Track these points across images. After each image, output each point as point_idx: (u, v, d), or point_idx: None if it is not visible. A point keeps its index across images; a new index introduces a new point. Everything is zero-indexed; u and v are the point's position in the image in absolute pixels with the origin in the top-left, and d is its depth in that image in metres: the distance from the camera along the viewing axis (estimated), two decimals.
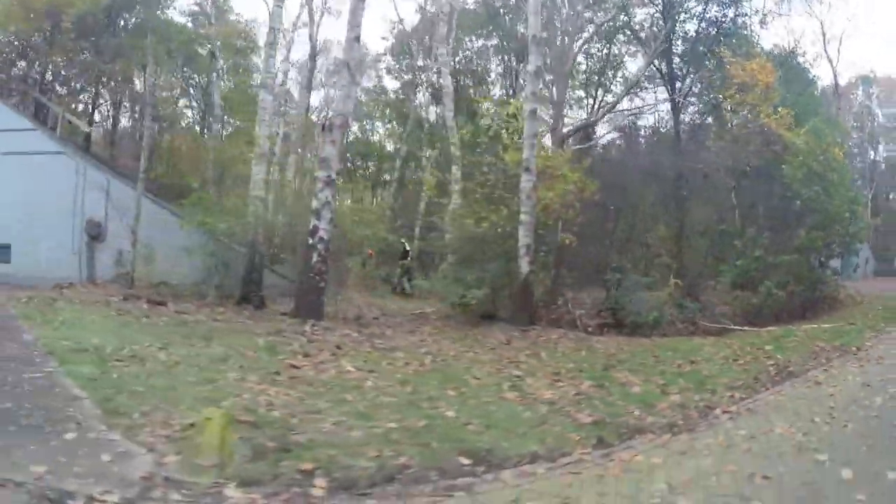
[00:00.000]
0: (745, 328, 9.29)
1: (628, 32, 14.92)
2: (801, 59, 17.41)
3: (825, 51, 25.34)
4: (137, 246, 10.08)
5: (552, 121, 13.95)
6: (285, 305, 8.56)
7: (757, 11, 13.54)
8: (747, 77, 12.05)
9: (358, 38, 9.00)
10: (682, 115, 14.08)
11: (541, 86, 12.42)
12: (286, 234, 11.63)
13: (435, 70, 18.61)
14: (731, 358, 6.14)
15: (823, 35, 24.87)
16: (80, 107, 17.95)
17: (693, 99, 14.34)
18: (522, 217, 8.86)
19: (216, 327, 6.49)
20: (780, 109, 11.71)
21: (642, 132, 17.14)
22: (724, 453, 2.83)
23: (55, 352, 4.19)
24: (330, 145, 8.46)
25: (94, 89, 17.75)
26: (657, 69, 13.91)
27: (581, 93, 18.70)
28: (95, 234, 10.46)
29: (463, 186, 13.46)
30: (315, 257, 7.81)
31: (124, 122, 21.92)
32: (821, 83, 22.14)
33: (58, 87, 16.62)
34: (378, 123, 25.71)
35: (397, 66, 23.20)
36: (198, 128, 22.35)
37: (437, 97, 19.02)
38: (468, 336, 7.73)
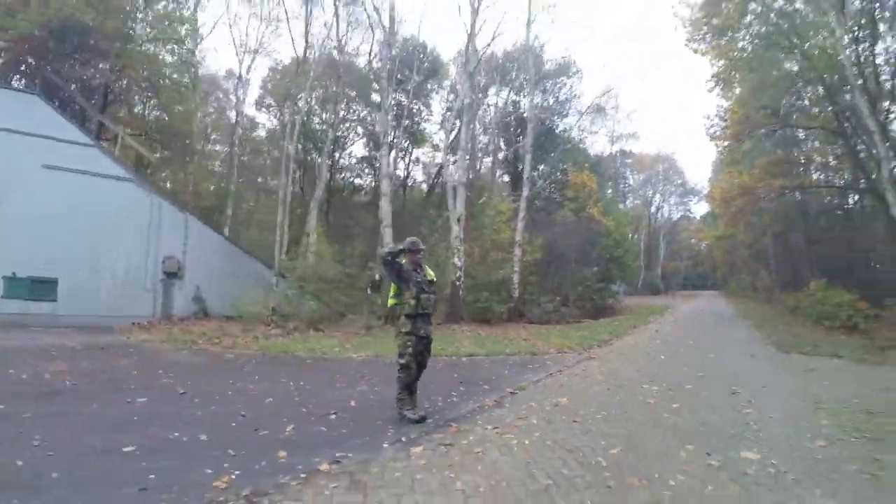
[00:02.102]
0: (582, 321, 16.62)
1: None
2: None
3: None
4: (210, 282, 11.88)
5: None
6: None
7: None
8: (579, 181, 20.66)
9: None
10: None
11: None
12: None
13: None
14: (580, 332, 12.76)
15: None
16: None
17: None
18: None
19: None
20: (598, 204, 20.83)
21: None
22: (599, 365, 8.74)
23: None
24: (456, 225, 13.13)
25: None
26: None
27: None
28: (174, 271, 11.42)
29: None
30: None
31: None
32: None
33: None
34: None
35: None
36: None
37: None
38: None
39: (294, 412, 4.86)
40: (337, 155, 27.32)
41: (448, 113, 29.65)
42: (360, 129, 28.81)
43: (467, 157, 16.37)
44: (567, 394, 6.00)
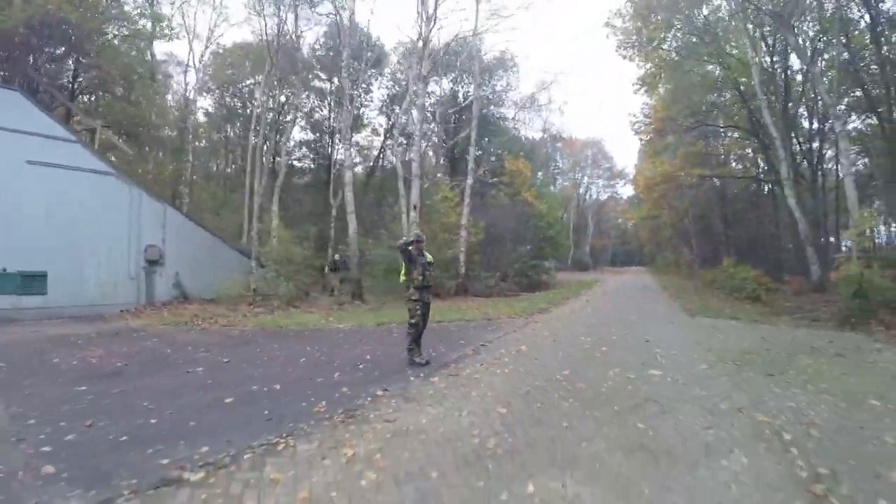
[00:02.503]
0: (520, 294, 18.94)
1: None
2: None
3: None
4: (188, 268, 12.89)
5: None
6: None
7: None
8: (515, 168, 22.94)
9: None
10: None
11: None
12: None
13: None
14: (521, 303, 14.91)
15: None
16: None
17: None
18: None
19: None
20: (531, 189, 23.26)
21: None
22: (543, 326, 11.39)
23: None
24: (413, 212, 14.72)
25: None
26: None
27: None
28: (156, 259, 12.26)
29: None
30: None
31: None
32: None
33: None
34: None
35: None
36: None
37: None
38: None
39: (329, 367, 6.44)
40: (281, 139, 27.81)
41: (389, 101, 31.07)
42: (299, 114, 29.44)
43: (420, 152, 17.92)
44: (524, 344, 8.02)
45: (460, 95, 28.95)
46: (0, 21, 13.32)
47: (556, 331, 9.80)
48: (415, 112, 18.22)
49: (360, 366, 6.49)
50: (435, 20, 15.65)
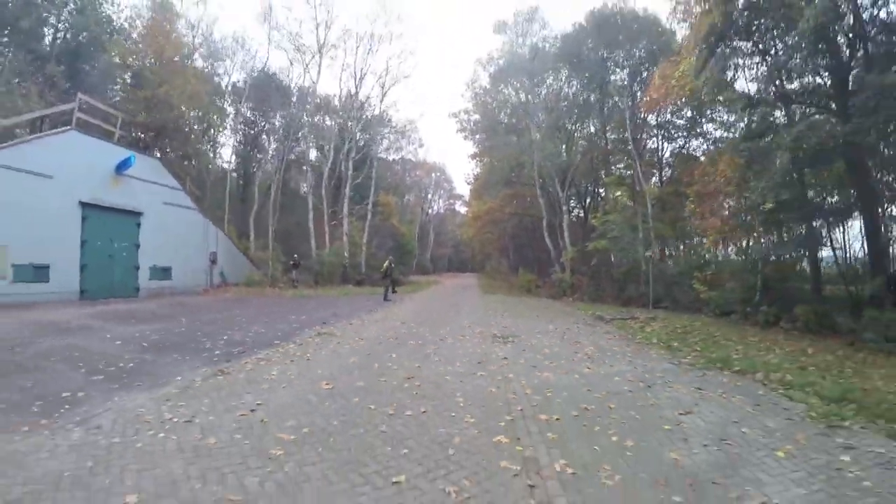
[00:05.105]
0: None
1: None
2: None
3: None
4: (226, 265, 23.47)
5: None
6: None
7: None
8: (385, 201, 36.07)
9: None
10: None
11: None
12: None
13: None
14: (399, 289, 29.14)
15: None
16: None
17: None
18: None
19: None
20: (396, 216, 36.60)
21: None
22: (410, 300, 25.82)
23: None
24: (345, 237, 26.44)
25: None
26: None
27: None
28: (213, 260, 22.39)
29: None
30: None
31: None
32: None
33: None
34: None
35: None
36: None
37: None
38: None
39: (356, 307, 18.60)
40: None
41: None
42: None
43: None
44: (413, 301, 21.21)
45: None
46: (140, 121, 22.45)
47: (422, 300, 23.14)
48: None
49: (369, 302, 19.02)
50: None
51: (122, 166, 17.64)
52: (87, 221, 16.52)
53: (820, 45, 12.21)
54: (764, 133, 14.00)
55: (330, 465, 3.68)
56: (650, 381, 6.80)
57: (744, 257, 18.65)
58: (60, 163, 15.47)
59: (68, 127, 16.97)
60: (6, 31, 21.80)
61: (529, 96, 31.16)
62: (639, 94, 26.13)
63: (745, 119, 16.28)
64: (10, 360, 7.05)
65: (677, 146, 27.50)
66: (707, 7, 14.43)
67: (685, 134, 26.17)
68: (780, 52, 14.01)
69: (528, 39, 31.43)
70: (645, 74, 25.90)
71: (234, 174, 41.11)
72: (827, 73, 13.26)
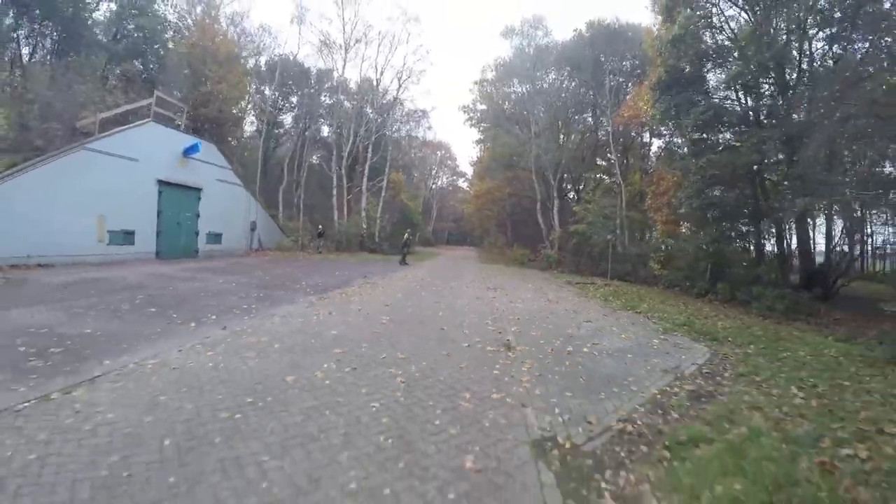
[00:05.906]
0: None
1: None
2: None
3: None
4: (263, 233, 27.93)
5: None
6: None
7: None
8: (396, 179, 40.39)
9: None
10: None
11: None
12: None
13: None
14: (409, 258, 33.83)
15: None
16: None
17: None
18: None
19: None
20: (405, 193, 40.91)
21: None
22: (420, 266, 30.39)
23: None
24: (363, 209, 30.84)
25: None
26: None
27: None
28: (254, 227, 26.79)
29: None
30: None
31: None
32: None
33: None
34: None
35: None
36: None
37: None
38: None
39: (381, 269, 23.14)
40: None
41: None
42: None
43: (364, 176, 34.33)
44: (421, 270, 25.76)
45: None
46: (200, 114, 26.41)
47: (430, 267, 27.56)
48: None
49: (393, 264, 23.57)
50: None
51: (189, 151, 21.79)
52: (162, 196, 20.73)
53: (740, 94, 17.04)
54: (684, 158, 19.46)
55: (407, 329, 8.33)
56: (579, 311, 11.48)
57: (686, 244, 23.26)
58: (142, 148, 19.40)
59: (147, 119, 21.02)
60: (83, 35, 25.58)
61: (530, 91, 35.24)
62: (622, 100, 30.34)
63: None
64: (174, 296, 9.84)
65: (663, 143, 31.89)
66: (658, 63, 19.39)
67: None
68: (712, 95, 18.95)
69: (533, 42, 35.51)
70: (630, 85, 30.10)
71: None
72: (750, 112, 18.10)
